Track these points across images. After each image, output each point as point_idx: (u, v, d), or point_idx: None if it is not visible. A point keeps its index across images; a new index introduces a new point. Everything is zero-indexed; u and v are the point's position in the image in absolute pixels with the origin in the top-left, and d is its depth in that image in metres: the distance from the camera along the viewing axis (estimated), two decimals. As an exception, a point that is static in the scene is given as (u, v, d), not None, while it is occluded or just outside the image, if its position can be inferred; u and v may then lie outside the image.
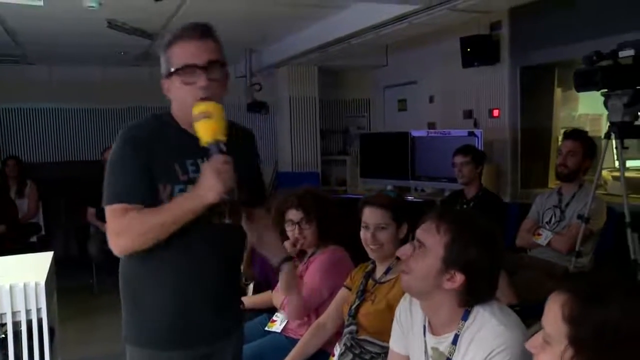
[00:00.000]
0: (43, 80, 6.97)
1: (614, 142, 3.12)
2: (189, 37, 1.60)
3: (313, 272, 2.53)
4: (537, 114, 5.26)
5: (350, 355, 2.09)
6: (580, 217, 3.07)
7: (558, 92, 5.34)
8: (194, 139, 1.58)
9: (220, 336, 1.74)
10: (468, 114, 5.58)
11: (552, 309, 1.11)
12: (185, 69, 1.57)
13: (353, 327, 2.12)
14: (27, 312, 2.40)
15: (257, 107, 7.10)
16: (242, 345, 1.90)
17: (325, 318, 2.38)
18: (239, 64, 7.32)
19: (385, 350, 1.88)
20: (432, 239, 1.52)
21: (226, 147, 1.53)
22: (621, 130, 2.96)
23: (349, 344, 2.11)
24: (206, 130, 1.53)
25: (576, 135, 3.41)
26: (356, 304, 2.15)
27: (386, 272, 2.16)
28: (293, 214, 2.58)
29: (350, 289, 2.29)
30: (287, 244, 2.56)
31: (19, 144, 7.02)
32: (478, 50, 5.17)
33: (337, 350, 2.19)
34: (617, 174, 4.75)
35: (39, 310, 2.33)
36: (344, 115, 7.85)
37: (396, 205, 2.18)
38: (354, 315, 2.14)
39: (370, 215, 2.17)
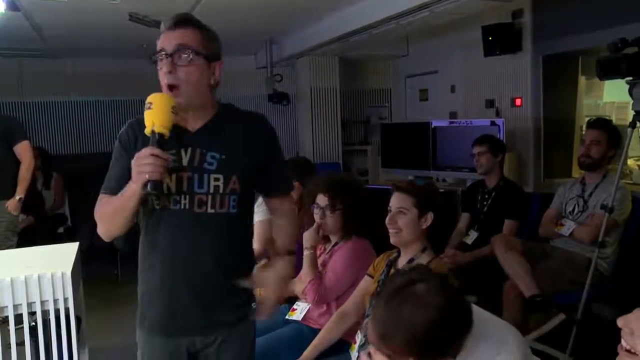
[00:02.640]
0: (68, 74, 7.08)
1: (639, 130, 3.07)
2: (166, 27, 1.63)
3: (336, 260, 2.56)
4: (560, 103, 5.20)
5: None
6: (603, 207, 3.02)
7: (582, 80, 5.26)
8: (182, 130, 1.65)
9: (208, 330, 1.71)
10: (490, 104, 5.52)
11: None
12: (158, 55, 1.61)
13: (373, 319, 2.13)
14: (55, 301, 2.46)
15: (278, 98, 7.11)
16: (250, 341, 1.82)
17: (348, 306, 2.38)
18: (259, 55, 7.34)
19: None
20: None
21: (163, 139, 1.53)
22: (646, 118, 2.90)
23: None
24: (146, 121, 1.55)
25: (600, 124, 3.37)
26: (377, 292, 2.16)
27: (409, 262, 2.15)
28: (320, 199, 2.61)
29: (372, 277, 2.29)
30: (307, 233, 2.58)
31: (46, 136, 7.15)
32: (500, 39, 5.11)
33: (359, 338, 2.19)
34: (643, 162, 4.69)
35: (65, 299, 2.38)
36: (365, 105, 7.84)
37: (421, 192, 2.18)
38: (374, 305, 2.14)
39: (394, 199, 2.20)
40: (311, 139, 7.01)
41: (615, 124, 3.62)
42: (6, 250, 3.25)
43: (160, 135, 1.53)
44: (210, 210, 1.64)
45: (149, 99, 1.55)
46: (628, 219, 3.23)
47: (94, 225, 1.76)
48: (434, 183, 5.48)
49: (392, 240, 2.19)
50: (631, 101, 2.84)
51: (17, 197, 3.99)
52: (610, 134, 3.30)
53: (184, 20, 1.63)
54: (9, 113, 6.79)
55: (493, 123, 5.01)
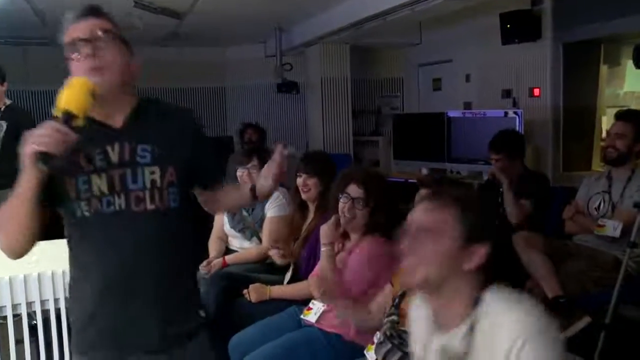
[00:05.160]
0: (73, 62, 7.00)
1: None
2: (77, 17, 1.53)
3: (356, 258, 2.41)
4: (580, 93, 5.05)
5: (389, 345, 1.98)
6: (636, 205, 2.84)
7: (604, 69, 5.10)
8: (104, 126, 1.51)
9: (157, 346, 1.52)
10: (507, 93, 5.38)
11: None
12: (72, 45, 1.48)
13: (395, 317, 2.02)
14: (56, 300, 2.41)
15: (288, 87, 7.01)
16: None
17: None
18: (268, 44, 7.21)
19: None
20: (440, 218, 1.35)
21: (73, 123, 1.36)
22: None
23: (388, 334, 2.00)
24: (59, 99, 1.39)
25: (627, 116, 3.17)
26: (401, 292, 2.04)
27: None
28: (353, 190, 2.43)
29: (393, 285, 2.18)
30: (324, 228, 2.44)
31: (51, 126, 7.08)
32: (519, 26, 4.97)
33: (377, 338, 2.08)
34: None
35: (67, 298, 2.30)
36: (377, 95, 7.68)
37: (432, 184, 2.18)
38: (397, 304, 2.04)
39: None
40: (321, 129, 6.86)
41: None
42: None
43: (72, 116, 1.36)
44: (150, 207, 1.48)
45: (68, 80, 1.42)
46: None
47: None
48: (448, 176, 5.36)
49: None
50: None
51: None
52: (636, 126, 3.11)
53: (96, 10, 1.54)
54: (15, 101, 6.71)
55: (507, 114, 4.87)
